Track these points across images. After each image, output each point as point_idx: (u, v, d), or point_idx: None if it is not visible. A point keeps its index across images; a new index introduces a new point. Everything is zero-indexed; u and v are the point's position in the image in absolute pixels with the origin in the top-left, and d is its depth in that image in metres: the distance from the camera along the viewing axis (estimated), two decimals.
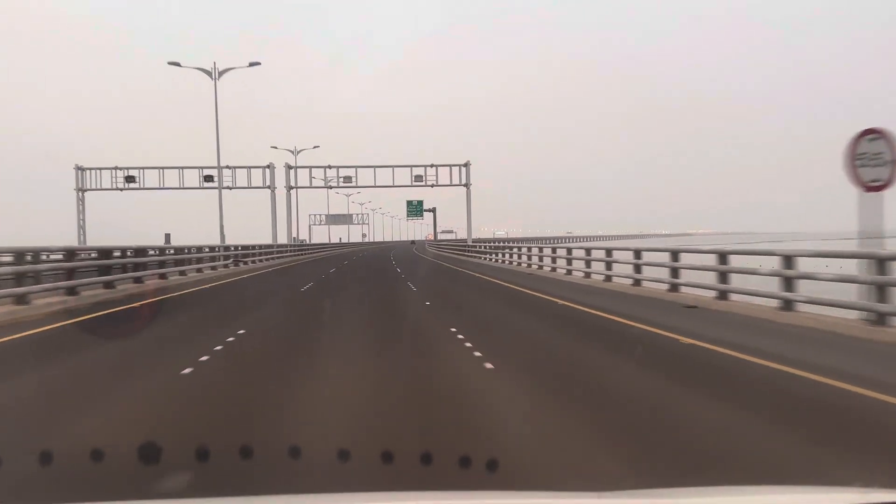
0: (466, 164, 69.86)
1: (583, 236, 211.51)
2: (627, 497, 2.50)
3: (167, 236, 55.80)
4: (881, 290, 12.17)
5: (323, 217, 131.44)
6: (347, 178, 70.08)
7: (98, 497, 4.23)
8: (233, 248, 41.74)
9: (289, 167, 69.31)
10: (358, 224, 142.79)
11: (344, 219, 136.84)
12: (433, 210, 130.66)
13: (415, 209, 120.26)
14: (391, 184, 70.17)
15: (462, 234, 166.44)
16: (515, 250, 47.94)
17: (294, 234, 71.46)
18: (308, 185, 69.82)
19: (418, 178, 70.08)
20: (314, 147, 72.83)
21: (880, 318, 12.11)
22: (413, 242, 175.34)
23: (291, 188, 69.38)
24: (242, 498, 2.91)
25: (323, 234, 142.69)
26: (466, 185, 70.14)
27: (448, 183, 70.32)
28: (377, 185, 70.24)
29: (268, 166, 68.22)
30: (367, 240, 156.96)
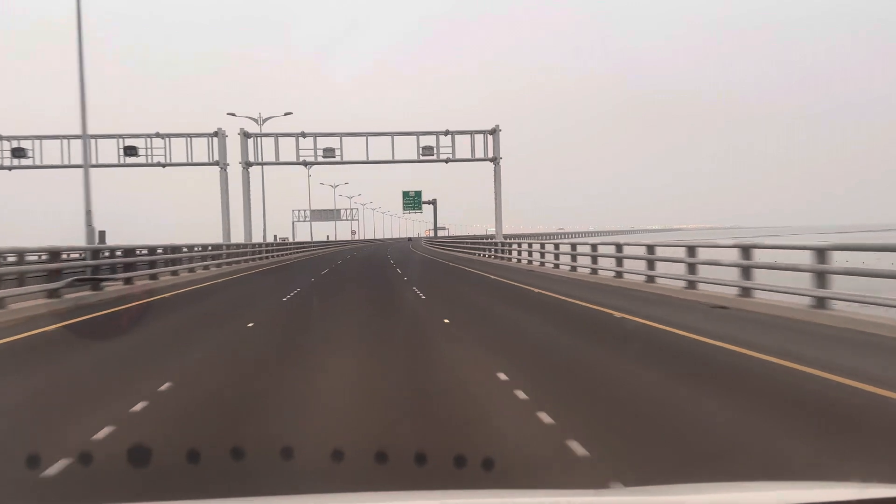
0: (494, 131, 48.42)
1: (573, 232, 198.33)
2: (625, 495, 2.47)
3: (101, 234, 33.81)
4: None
5: (308, 213, 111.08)
6: (330, 152, 48.40)
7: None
8: (79, 257, 20.23)
9: (245, 135, 47.56)
10: (346, 220, 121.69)
11: (330, 214, 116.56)
12: (433, 202, 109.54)
13: (412, 201, 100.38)
14: (390, 158, 48.54)
15: (454, 232, 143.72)
16: (565, 248, 29.80)
17: (253, 229, 49.43)
18: (274, 160, 47.98)
19: (427, 150, 48.64)
20: (285, 114, 50.57)
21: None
22: (410, 239, 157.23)
23: (250, 164, 47.60)
24: (234, 500, 2.54)
25: (308, 232, 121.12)
26: (494, 160, 48.69)
27: (469, 157, 48.87)
28: (370, 160, 48.52)
29: (214, 134, 46.51)
30: (356, 237, 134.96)
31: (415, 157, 48.65)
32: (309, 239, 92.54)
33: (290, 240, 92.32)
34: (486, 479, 4.08)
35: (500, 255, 43.95)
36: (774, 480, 2.57)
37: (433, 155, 48.61)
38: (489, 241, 53.17)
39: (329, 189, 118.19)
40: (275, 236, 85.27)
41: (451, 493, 2.51)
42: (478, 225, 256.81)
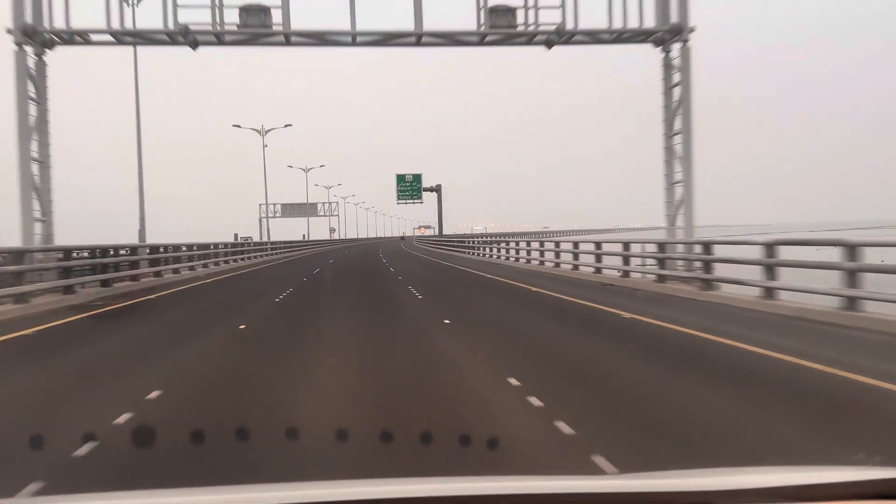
0: None
1: (560, 231, 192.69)
2: (631, 479, 2.30)
3: None
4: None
5: (279, 208, 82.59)
6: (255, 15, 17.85)
7: None
8: None
9: None
10: (324, 215, 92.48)
11: (303, 209, 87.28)
12: (437, 189, 79.45)
13: (409, 188, 71.61)
14: (410, 29, 18.03)
15: (434, 231, 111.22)
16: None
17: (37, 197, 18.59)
18: (106, 26, 17.18)
19: (503, 15, 18.26)
20: None
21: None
22: (403, 238, 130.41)
23: (42, 40, 16.85)
24: (232, 487, 2.26)
25: (281, 229, 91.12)
26: (671, 36, 18.28)
27: (605, 28, 18.55)
28: (359, 32, 17.96)
29: None
30: (336, 236, 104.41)
31: (473, 29, 18.41)
32: (266, 238, 61.39)
33: (254, 239, 62.85)
34: None
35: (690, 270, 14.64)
36: (770, 465, 2.34)
37: (516, 24, 18.42)
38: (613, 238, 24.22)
39: (299, 173, 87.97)
40: (235, 235, 64.32)
41: (451, 479, 2.24)
42: (462, 224, 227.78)
